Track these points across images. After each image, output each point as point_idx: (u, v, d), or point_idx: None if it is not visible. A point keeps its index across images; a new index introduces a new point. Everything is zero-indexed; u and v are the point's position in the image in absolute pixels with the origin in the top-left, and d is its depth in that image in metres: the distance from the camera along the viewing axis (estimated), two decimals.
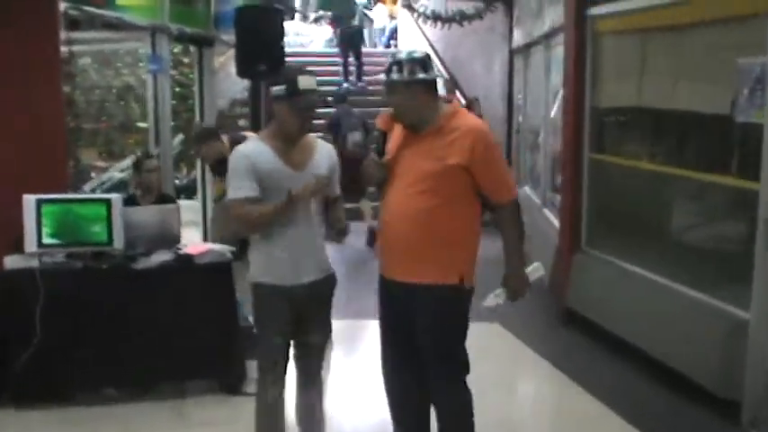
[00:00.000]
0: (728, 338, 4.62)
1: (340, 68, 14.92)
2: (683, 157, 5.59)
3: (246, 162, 3.42)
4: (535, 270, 3.58)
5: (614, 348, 5.75)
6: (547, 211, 8.43)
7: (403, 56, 3.45)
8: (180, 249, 5.04)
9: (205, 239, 8.35)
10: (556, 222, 7.77)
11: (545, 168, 8.83)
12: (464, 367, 3.59)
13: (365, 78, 15.12)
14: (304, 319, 3.62)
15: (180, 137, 9.76)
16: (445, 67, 13.60)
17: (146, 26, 7.06)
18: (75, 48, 9.84)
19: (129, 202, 5.70)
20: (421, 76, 3.42)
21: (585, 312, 6.26)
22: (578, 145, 6.40)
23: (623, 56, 6.10)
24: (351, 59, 15.03)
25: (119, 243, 4.88)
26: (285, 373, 3.66)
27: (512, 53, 11.84)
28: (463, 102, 11.52)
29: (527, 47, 10.43)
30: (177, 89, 10.89)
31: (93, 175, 10.42)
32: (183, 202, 6.77)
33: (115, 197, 5.01)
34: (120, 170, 10.19)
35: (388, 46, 19.77)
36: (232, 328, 4.99)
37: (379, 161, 3.54)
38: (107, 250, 4.88)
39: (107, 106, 10.84)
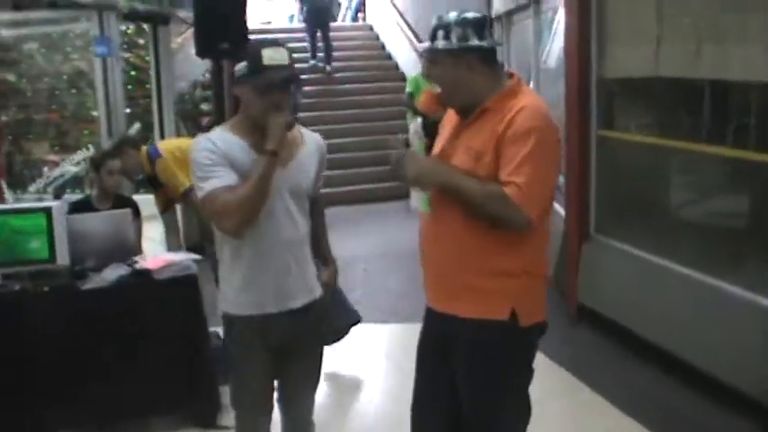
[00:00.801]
0: None
1: (307, 45, 14.05)
2: (710, 132, 4.94)
3: (218, 151, 2.69)
4: (418, 198, 2.68)
5: (634, 349, 5.15)
6: None
7: (452, 17, 2.69)
8: (137, 263, 4.31)
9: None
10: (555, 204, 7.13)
11: None
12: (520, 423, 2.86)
13: (335, 64, 14.12)
14: (291, 355, 2.93)
15: (137, 125, 8.97)
16: (418, 39, 12.84)
17: (90, 3, 6.26)
18: (18, 32, 9.07)
19: (84, 205, 5.07)
20: (475, 42, 2.66)
21: (599, 308, 5.62)
22: (584, 120, 5.70)
23: (636, 16, 5.36)
24: (318, 36, 14.13)
25: (63, 259, 4.14)
26: (269, 420, 2.97)
27: (491, 22, 11.11)
28: None
29: (509, 15, 9.73)
30: (133, 73, 10.16)
31: (45, 169, 9.70)
32: (143, 197, 6.05)
33: (56, 205, 4.25)
34: (74, 164, 9.44)
35: (355, 19, 18.96)
36: (201, 353, 4.27)
37: (410, 154, 2.72)
38: (49, 268, 4.13)
39: (58, 94, 10.02)
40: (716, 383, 4.32)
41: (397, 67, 14.46)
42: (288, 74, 2.73)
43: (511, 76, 2.77)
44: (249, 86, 2.71)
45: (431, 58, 2.78)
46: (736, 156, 4.59)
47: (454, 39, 2.67)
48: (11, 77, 9.33)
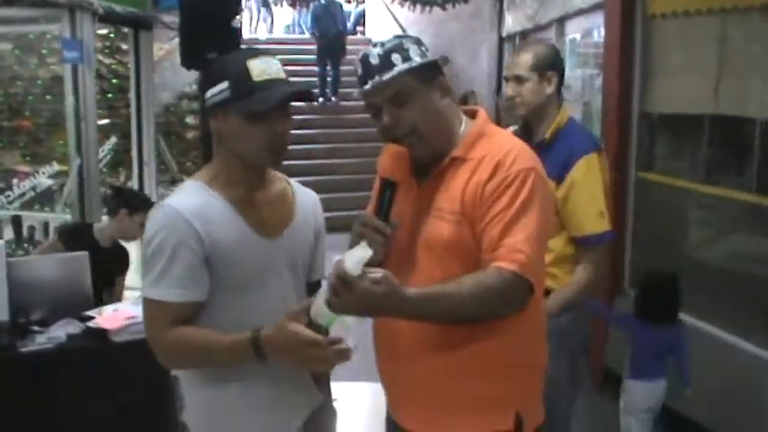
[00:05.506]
0: None
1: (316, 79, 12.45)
2: None
3: (186, 232, 1.89)
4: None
5: (671, 428, 4.41)
6: None
7: (393, 38, 1.99)
8: (92, 318, 3.53)
9: None
10: None
11: None
12: None
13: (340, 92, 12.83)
14: None
15: (113, 139, 8.19)
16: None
17: (61, 2, 5.49)
18: None
19: (84, 234, 4.29)
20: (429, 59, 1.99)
21: None
22: (622, 160, 4.96)
23: (689, 44, 4.63)
24: (328, 68, 12.76)
25: (1, 313, 3.39)
26: None
27: (501, 42, 10.42)
28: None
29: (524, 35, 9.03)
30: (115, 81, 9.41)
31: (15, 181, 8.94)
32: None
33: None
34: (49, 176, 8.65)
35: (353, 32, 18.21)
36: None
37: (383, 226, 1.90)
38: None
39: (31, 100, 9.23)
40: None
41: None
42: (290, 89, 1.97)
43: (472, 113, 2.09)
44: (236, 116, 1.92)
45: (392, 98, 1.94)
46: None
47: (417, 57, 1.95)
48: None
